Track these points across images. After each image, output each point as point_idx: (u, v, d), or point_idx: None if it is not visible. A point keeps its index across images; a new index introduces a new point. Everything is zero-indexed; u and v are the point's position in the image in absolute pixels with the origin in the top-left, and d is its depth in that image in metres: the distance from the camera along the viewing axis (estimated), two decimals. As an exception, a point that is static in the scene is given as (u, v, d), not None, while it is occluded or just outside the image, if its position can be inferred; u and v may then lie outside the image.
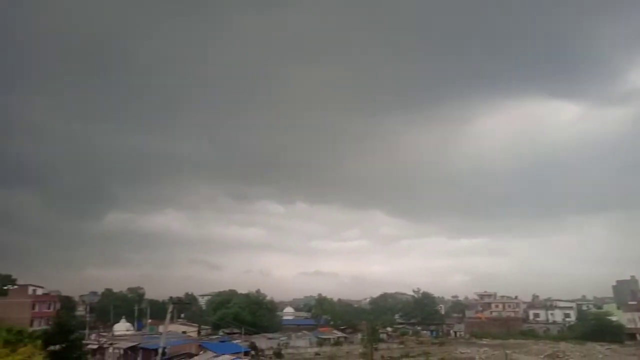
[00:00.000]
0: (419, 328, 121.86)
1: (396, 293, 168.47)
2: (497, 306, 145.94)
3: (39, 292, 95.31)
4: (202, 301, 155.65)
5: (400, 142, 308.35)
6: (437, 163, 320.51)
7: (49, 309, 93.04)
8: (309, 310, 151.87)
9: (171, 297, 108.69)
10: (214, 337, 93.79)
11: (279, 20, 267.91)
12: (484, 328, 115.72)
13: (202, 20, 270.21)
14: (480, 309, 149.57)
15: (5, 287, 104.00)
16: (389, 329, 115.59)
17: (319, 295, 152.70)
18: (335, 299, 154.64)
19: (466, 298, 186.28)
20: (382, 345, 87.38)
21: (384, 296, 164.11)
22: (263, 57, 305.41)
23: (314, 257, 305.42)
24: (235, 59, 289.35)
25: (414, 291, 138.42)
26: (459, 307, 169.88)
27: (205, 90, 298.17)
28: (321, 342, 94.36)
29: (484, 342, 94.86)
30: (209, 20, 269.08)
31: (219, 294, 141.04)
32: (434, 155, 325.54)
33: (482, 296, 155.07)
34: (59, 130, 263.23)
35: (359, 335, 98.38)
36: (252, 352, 72.46)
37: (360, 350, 77.94)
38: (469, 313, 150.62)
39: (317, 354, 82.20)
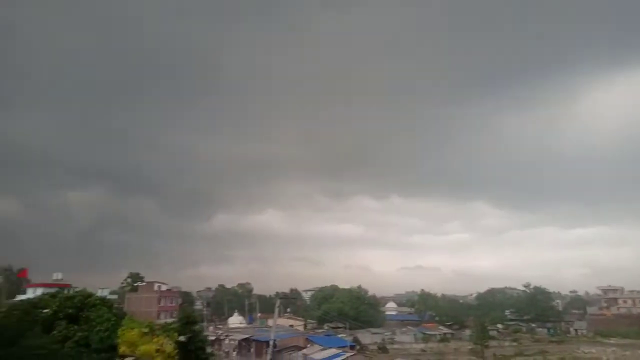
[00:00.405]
0: (533, 325, 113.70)
1: (505, 288, 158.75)
2: (625, 302, 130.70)
3: (163, 288, 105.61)
4: (306, 296, 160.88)
5: (503, 128, 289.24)
6: (541, 149, 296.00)
7: (172, 303, 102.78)
8: (412, 306, 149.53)
9: (277, 293, 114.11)
10: (320, 330, 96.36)
11: (363, 16, 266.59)
12: (610, 326, 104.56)
13: (283, 24, 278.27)
14: (605, 304, 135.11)
15: (136, 284, 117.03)
16: (499, 325, 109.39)
17: (422, 290, 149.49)
18: (439, 294, 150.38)
19: (586, 293, 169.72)
20: (492, 343, 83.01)
21: (492, 291, 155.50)
22: (351, 53, 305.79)
23: (414, 251, 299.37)
24: (323, 58, 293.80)
25: (524, 286, 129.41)
26: (578, 302, 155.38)
27: (298, 91, 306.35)
28: (427, 338, 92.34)
29: (612, 342, 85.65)
30: (290, 22, 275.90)
31: (322, 289, 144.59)
32: (537, 140, 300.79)
33: (606, 291, 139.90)
34: (170, 142, 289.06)
35: (467, 332, 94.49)
36: (357, 347, 73.23)
37: (469, 348, 74.82)
38: (591, 309, 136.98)
39: (423, 350, 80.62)
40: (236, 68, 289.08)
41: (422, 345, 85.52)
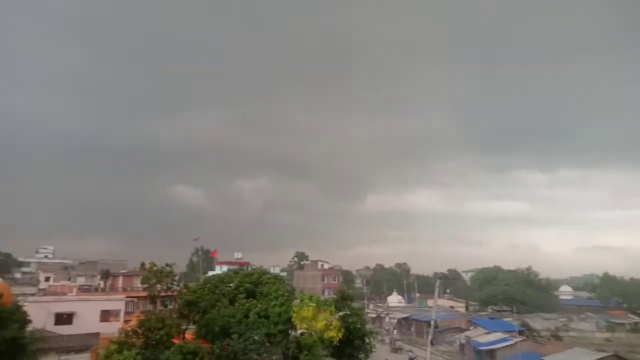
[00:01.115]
0: None
1: None
2: None
3: (326, 266, 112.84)
4: (466, 277, 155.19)
5: None
6: None
7: (334, 280, 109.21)
8: (592, 291, 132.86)
9: (436, 273, 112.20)
10: (483, 313, 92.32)
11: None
12: None
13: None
14: None
15: (302, 263, 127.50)
16: None
17: (605, 273, 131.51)
18: (627, 277, 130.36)
19: None
20: None
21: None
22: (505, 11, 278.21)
23: (591, 229, 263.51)
24: (473, 17, 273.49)
25: None
26: None
27: (445, 61, 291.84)
28: (612, 327, 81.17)
29: None
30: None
31: (483, 270, 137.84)
32: None
33: None
34: (329, 128, 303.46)
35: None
36: (526, 332, 68.21)
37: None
38: None
39: (608, 340, 71.19)
40: (381, 46, 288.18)
41: (606, 335, 75.55)
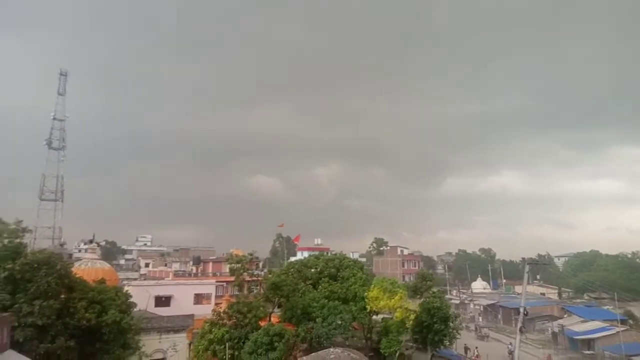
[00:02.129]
0: None
1: None
2: None
3: (405, 252, 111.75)
4: (558, 262, 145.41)
5: None
6: None
7: (414, 266, 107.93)
8: None
9: (524, 258, 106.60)
10: (578, 301, 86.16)
11: None
12: None
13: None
14: None
15: (381, 248, 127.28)
16: None
17: None
18: None
19: None
20: None
21: None
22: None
23: None
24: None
25: None
26: None
27: (514, 36, 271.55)
28: None
29: None
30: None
31: (578, 254, 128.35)
32: None
33: None
34: (399, 112, 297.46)
35: None
36: (629, 321, 62.53)
37: None
38: None
39: None
40: (446, 26, 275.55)
41: None
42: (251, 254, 37.83)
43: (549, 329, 62.01)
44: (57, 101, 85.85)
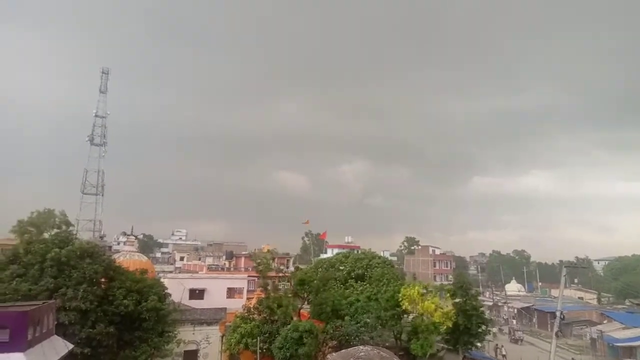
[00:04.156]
0: None
1: None
2: None
3: (437, 252, 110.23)
4: (597, 266, 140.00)
5: None
6: None
7: (446, 267, 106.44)
8: None
9: (561, 261, 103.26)
10: (619, 306, 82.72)
11: None
12: None
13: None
14: None
15: (412, 248, 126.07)
16: None
17: None
18: None
19: None
20: None
21: None
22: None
23: None
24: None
25: None
26: None
27: (548, 28, 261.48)
28: None
29: None
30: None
31: (619, 258, 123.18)
32: None
33: None
34: (418, 109, 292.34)
35: None
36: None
37: None
38: None
39: None
40: (472, 18, 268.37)
41: None
42: (270, 251, 38.38)
43: (587, 334, 59.94)
44: (99, 98, 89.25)
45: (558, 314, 32.91)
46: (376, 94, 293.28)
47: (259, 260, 37.62)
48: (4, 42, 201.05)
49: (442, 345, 39.22)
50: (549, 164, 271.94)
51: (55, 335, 20.92)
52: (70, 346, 21.27)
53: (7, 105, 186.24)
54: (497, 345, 49.48)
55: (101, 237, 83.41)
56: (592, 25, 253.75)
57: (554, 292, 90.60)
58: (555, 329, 33.29)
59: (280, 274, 39.01)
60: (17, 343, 16.39)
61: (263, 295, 35.56)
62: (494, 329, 54.86)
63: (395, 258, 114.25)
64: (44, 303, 20.57)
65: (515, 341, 60.22)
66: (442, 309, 34.37)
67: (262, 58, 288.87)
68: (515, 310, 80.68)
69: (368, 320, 33.97)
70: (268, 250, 37.92)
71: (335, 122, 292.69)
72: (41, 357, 17.45)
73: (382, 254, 69.38)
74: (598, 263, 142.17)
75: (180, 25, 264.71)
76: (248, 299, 45.78)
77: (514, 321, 77.36)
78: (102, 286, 27.68)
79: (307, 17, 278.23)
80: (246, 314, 34.20)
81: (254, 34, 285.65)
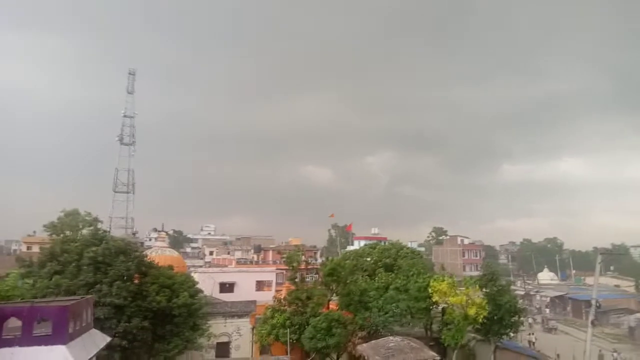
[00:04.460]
0: None
1: None
2: None
3: (466, 241, 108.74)
4: (635, 253, 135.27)
5: None
6: None
7: (475, 256, 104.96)
8: None
9: (596, 248, 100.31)
10: (658, 294, 79.96)
11: None
12: None
13: None
14: None
15: (440, 238, 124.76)
16: None
17: None
18: None
19: None
20: None
21: None
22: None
23: None
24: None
25: None
26: None
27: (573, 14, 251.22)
28: None
29: None
30: None
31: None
32: None
33: None
34: (441, 99, 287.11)
35: None
36: None
37: None
38: None
39: None
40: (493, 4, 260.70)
41: None
42: (298, 246, 38.60)
43: (626, 322, 58.22)
44: (127, 99, 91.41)
45: (593, 302, 32.08)
46: (399, 85, 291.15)
47: (287, 255, 38.01)
48: (34, 47, 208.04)
49: (472, 335, 38.74)
50: (581, 149, 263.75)
51: (94, 329, 21.71)
52: (108, 339, 22.03)
53: (38, 109, 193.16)
54: (530, 333, 48.66)
55: (133, 234, 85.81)
56: (624, 4, 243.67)
57: (589, 280, 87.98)
58: (591, 317, 32.43)
59: (309, 266, 39.28)
60: (59, 336, 17.08)
61: (292, 288, 35.93)
62: (529, 319, 53.78)
63: (423, 249, 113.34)
64: (82, 298, 21.36)
65: (549, 330, 59.05)
66: (473, 300, 33.91)
67: (284, 55, 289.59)
68: (549, 299, 78.98)
69: (397, 310, 33.88)
70: (296, 245, 38.25)
71: (359, 114, 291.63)
72: (82, 349, 18.15)
73: (409, 245, 69.01)
74: (635, 249, 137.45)
75: (204, 26, 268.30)
76: (277, 291, 46.38)
77: (547, 310, 75.78)
78: (136, 282, 28.54)
79: (328, 11, 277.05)
80: (277, 306, 34.65)
81: (274, 31, 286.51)
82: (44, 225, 40.79)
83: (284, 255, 38.30)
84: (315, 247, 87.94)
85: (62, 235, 31.54)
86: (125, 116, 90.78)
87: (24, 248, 73.67)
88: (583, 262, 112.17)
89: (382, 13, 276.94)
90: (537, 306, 78.88)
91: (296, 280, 36.20)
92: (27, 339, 16.73)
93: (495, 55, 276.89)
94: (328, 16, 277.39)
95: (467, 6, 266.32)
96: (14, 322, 17.55)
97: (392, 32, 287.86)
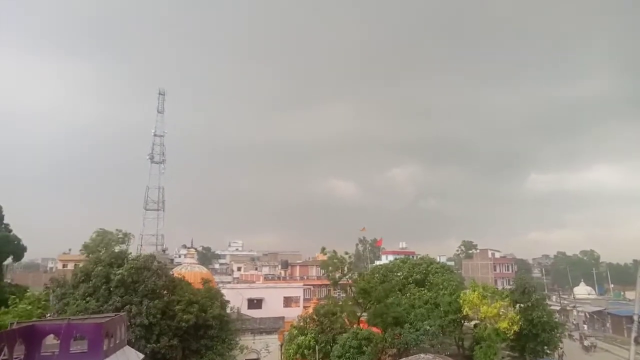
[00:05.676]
0: None
1: None
2: None
3: (497, 255, 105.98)
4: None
5: None
6: None
7: (507, 270, 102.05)
8: None
9: (635, 260, 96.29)
10: None
11: None
12: None
13: None
14: None
15: (470, 252, 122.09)
16: None
17: None
18: None
19: None
20: None
21: None
22: None
23: None
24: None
25: None
26: None
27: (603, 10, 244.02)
28: None
29: None
30: None
31: None
32: None
33: None
34: (468, 105, 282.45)
35: None
36: None
37: None
38: None
39: None
40: (517, 6, 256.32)
41: None
42: (347, 254, 38.46)
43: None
44: (157, 118, 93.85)
45: (636, 317, 30.65)
46: (422, 94, 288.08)
47: (330, 268, 37.91)
48: (66, 72, 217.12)
49: (507, 352, 37.59)
50: (615, 156, 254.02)
51: (128, 346, 22.10)
52: (142, 356, 22.39)
53: (70, 131, 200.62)
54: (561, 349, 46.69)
55: (163, 251, 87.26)
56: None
57: (629, 295, 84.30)
58: (634, 334, 30.98)
59: (344, 282, 39.08)
60: (94, 353, 17.50)
61: (321, 303, 35.75)
62: (564, 335, 51.70)
63: (452, 263, 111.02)
64: (116, 315, 21.83)
65: (587, 349, 56.23)
66: (505, 314, 32.98)
67: (305, 66, 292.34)
68: (587, 315, 75.91)
69: (428, 327, 33.24)
70: (336, 259, 38.16)
71: (382, 125, 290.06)
72: (116, 366, 18.52)
73: (438, 260, 67.84)
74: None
75: (226, 41, 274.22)
76: (304, 307, 46.22)
77: (585, 326, 72.79)
78: (165, 298, 28.93)
79: (351, 20, 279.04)
80: (302, 324, 34.45)
81: (297, 43, 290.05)
82: (83, 246, 42.13)
83: (328, 269, 38.15)
84: (351, 257, 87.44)
85: (94, 254, 32.44)
86: (155, 135, 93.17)
87: (59, 265, 75.94)
88: (622, 275, 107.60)
89: (407, 21, 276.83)
90: (575, 322, 75.92)
91: (332, 292, 36.06)
92: (64, 355, 17.20)
93: (520, 59, 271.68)
94: (350, 25, 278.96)
95: (491, 11, 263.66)
96: (51, 339, 18.09)
97: (416, 39, 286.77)
